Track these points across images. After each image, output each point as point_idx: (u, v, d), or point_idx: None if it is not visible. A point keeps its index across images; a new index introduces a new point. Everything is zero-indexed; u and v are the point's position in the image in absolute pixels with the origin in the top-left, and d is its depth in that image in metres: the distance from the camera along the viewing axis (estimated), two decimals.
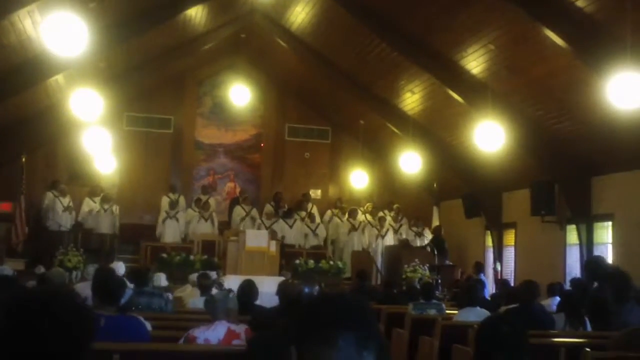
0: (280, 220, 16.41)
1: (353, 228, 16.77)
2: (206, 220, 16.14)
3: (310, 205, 17.53)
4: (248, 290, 6.67)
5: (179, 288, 10.15)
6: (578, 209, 12.69)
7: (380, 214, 17.29)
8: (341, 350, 1.56)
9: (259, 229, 15.18)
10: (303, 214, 17.00)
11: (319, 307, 1.65)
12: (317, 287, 4.57)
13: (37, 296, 1.96)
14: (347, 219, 17.05)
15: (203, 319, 5.55)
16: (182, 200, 16.82)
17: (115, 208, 16.10)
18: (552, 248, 13.51)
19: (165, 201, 16.56)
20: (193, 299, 8.18)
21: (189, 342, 4.97)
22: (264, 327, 4.95)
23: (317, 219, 17.02)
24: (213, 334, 4.97)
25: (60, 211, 15.58)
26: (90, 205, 16.14)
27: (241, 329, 5.12)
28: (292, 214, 16.75)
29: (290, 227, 16.43)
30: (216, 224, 16.33)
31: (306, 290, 5.10)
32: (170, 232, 15.97)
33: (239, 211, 16.50)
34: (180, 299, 8.64)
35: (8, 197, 14.82)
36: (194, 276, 10.10)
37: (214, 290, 8.05)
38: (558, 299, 8.48)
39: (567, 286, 9.61)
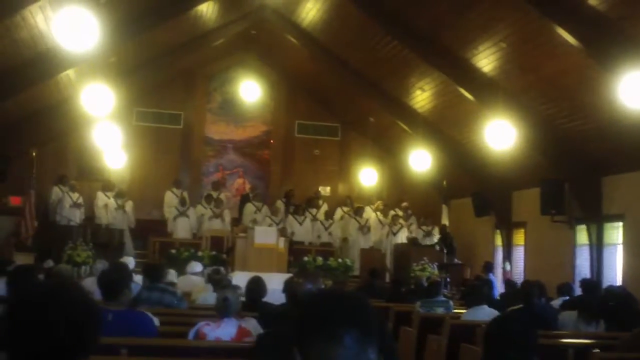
0: (290, 217, 16.40)
1: (361, 226, 16.73)
2: (218, 217, 16.14)
3: (321, 202, 17.49)
4: (257, 287, 6.65)
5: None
6: (588, 208, 12.62)
7: (392, 212, 17.25)
8: (346, 347, 1.56)
9: (269, 225, 15.17)
10: (315, 211, 16.97)
11: (323, 305, 1.65)
12: (322, 285, 4.57)
13: (45, 289, 1.97)
14: (354, 217, 16.99)
15: (212, 314, 5.54)
16: (186, 196, 16.70)
17: (129, 204, 16.09)
18: (562, 248, 13.45)
19: (170, 197, 16.53)
20: (204, 294, 8.17)
21: (200, 339, 4.97)
22: (272, 324, 4.94)
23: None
24: (224, 332, 4.96)
25: (68, 206, 15.60)
26: (104, 200, 16.14)
27: (251, 324, 5.11)
28: (303, 211, 16.73)
29: (300, 224, 16.42)
30: (228, 220, 16.32)
31: (312, 287, 5.08)
32: (181, 229, 15.98)
33: (250, 208, 16.51)
34: (189, 295, 8.64)
35: (18, 191, 14.89)
36: (192, 267, 10.02)
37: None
38: (567, 298, 8.47)
39: (577, 286, 9.58)
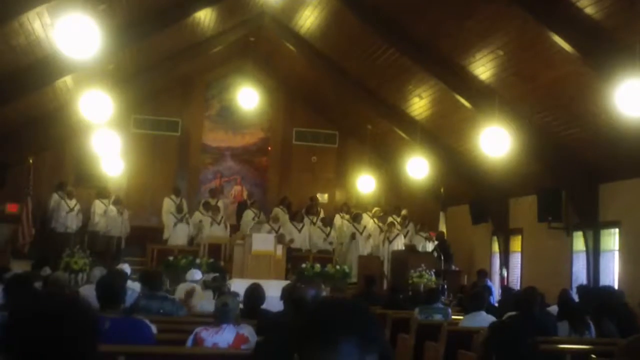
0: (289, 224, 16.38)
1: (358, 233, 16.71)
2: (219, 224, 16.12)
3: (319, 209, 17.49)
4: (255, 294, 6.66)
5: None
6: (585, 215, 12.65)
7: (390, 219, 17.24)
8: (344, 354, 1.56)
9: (269, 232, 15.13)
10: (314, 218, 16.96)
11: (321, 312, 1.66)
12: (322, 292, 4.56)
13: (50, 301, 1.98)
14: (352, 224, 16.98)
15: (211, 322, 5.54)
16: (184, 203, 16.71)
17: (125, 211, 16.08)
18: (559, 255, 13.47)
19: (169, 204, 16.52)
20: (202, 302, 8.17)
21: (198, 343, 4.97)
22: (270, 331, 4.94)
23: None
24: (222, 338, 4.96)
25: (65, 213, 15.58)
26: (102, 207, 16.13)
27: (248, 330, 5.11)
28: (302, 217, 16.70)
29: (299, 231, 16.39)
30: (228, 227, 16.33)
31: (311, 294, 5.08)
32: (180, 236, 15.96)
33: (249, 215, 16.51)
34: (188, 302, 8.63)
35: (16, 198, 14.87)
36: (192, 275, 9.93)
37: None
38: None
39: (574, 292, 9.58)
